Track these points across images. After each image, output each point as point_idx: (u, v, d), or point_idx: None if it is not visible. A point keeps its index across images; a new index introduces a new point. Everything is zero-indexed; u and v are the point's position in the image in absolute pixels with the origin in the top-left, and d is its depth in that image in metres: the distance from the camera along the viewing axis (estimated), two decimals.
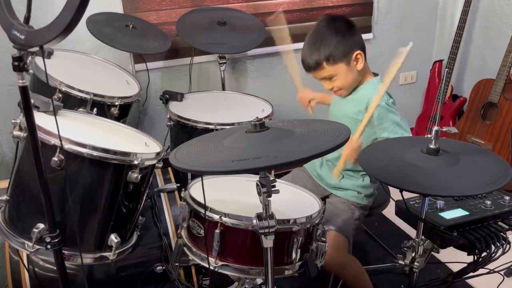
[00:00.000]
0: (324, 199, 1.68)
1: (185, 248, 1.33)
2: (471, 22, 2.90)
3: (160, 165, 1.39)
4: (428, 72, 3.12)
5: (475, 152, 1.24)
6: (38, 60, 1.72)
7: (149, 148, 1.46)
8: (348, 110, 1.63)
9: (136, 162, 1.27)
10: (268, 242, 1.07)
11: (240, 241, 1.23)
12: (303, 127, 1.10)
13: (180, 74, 2.58)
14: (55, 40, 0.87)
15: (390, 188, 1.76)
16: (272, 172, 1.33)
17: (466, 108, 2.80)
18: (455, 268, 1.40)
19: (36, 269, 1.42)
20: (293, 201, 1.43)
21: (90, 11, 1.94)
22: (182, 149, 1.08)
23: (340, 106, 1.70)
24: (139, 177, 1.28)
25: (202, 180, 1.24)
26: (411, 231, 2.24)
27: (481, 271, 1.32)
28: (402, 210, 1.38)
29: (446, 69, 2.88)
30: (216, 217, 1.20)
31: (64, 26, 0.84)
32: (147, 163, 1.31)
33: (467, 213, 1.33)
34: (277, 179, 1.15)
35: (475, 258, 1.28)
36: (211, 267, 1.22)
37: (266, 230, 1.04)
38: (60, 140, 1.10)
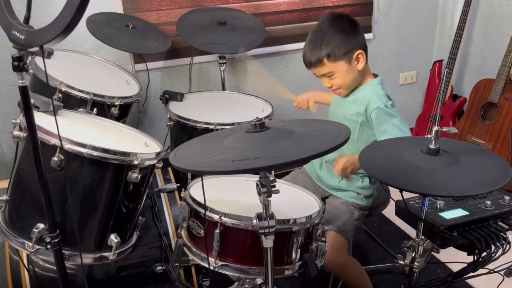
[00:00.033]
0: (323, 200, 1.68)
1: (185, 248, 1.33)
2: (471, 22, 2.90)
3: (160, 165, 1.39)
4: (428, 72, 3.12)
5: (475, 152, 1.24)
6: (38, 60, 1.72)
7: (149, 148, 1.46)
8: (348, 113, 1.63)
9: (136, 162, 1.27)
10: (268, 242, 1.07)
11: (240, 241, 1.23)
12: (303, 127, 1.10)
13: (180, 74, 2.58)
14: (55, 40, 0.87)
15: (390, 188, 1.76)
16: (272, 172, 1.33)
17: (466, 108, 2.80)
18: (455, 268, 1.40)
19: (36, 269, 1.42)
20: (293, 201, 1.43)
21: (90, 11, 1.94)
22: (182, 149, 1.08)
23: (340, 108, 1.70)
24: (139, 177, 1.28)
25: (202, 180, 1.24)
26: (411, 231, 2.24)
27: (481, 271, 1.32)
28: (402, 210, 1.38)
29: (446, 69, 2.88)
30: (216, 217, 1.20)
31: (64, 26, 0.84)
32: (147, 163, 1.31)
33: (467, 213, 1.33)
34: (277, 179, 1.15)
35: (475, 258, 1.28)
36: (211, 267, 1.22)
37: (266, 230, 1.04)
38: (60, 140, 1.10)
